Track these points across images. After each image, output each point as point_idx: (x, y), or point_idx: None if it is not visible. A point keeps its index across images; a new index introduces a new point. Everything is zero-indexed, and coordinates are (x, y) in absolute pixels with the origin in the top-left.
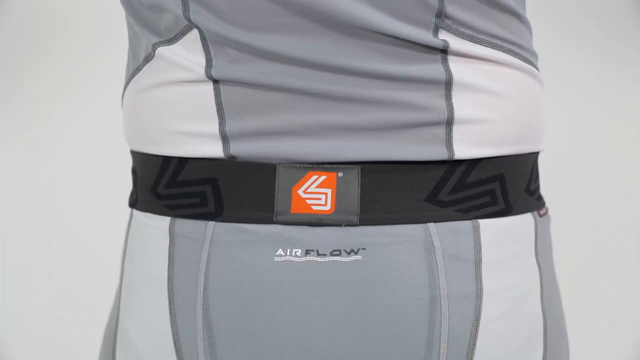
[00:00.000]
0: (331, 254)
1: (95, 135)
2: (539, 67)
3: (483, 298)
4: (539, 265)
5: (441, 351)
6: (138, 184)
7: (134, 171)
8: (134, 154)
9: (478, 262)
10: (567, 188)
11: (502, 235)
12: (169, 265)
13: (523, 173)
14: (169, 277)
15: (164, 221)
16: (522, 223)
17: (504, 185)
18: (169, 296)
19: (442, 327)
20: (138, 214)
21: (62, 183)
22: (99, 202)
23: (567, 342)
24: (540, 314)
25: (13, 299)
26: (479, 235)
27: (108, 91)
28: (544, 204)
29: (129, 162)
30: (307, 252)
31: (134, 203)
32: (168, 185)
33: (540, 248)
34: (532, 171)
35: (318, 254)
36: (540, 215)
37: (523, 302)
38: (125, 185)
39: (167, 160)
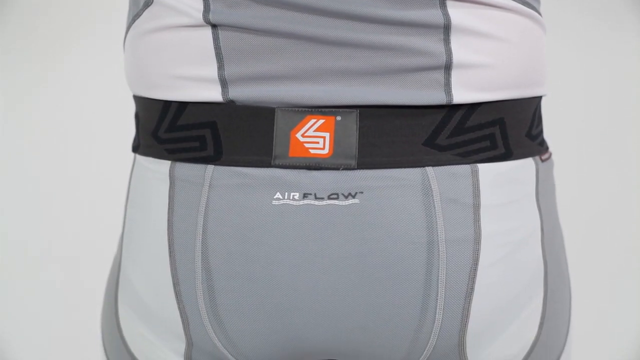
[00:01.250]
0: (329, 198)
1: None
2: (541, 13)
3: (481, 242)
4: (539, 209)
5: (439, 295)
6: (140, 128)
7: (136, 116)
8: (136, 98)
9: (476, 206)
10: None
11: (501, 180)
12: (168, 209)
13: (524, 117)
14: (168, 220)
15: (165, 165)
16: (522, 167)
17: (504, 130)
18: (168, 240)
19: (440, 271)
20: (140, 159)
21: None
22: (100, 198)
23: (569, 286)
24: (541, 258)
25: (13, 298)
26: (477, 180)
27: (108, 43)
28: (546, 148)
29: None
30: (305, 196)
31: (136, 147)
32: (168, 130)
33: (541, 192)
34: (534, 116)
35: (316, 198)
36: (543, 160)
37: (523, 246)
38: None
39: (167, 104)
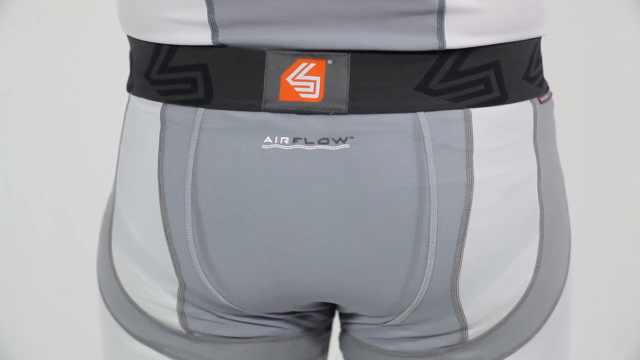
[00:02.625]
0: (319, 143)
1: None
2: None
3: (474, 188)
4: (537, 153)
5: (430, 240)
6: (134, 68)
7: (130, 55)
8: (129, 38)
9: (469, 152)
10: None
11: (496, 124)
12: (159, 150)
13: (521, 59)
14: (159, 162)
15: (156, 107)
16: (519, 111)
17: (499, 73)
18: (158, 181)
19: (431, 216)
20: (134, 99)
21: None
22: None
23: (568, 230)
24: (537, 203)
25: (13, 298)
26: (470, 125)
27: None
28: (546, 89)
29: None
30: (295, 140)
31: (130, 87)
32: (160, 71)
33: (539, 135)
34: (532, 57)
35: (306, 142)
36: (541, 102)
37: (518, 191)
38: None
39: (158, 47)
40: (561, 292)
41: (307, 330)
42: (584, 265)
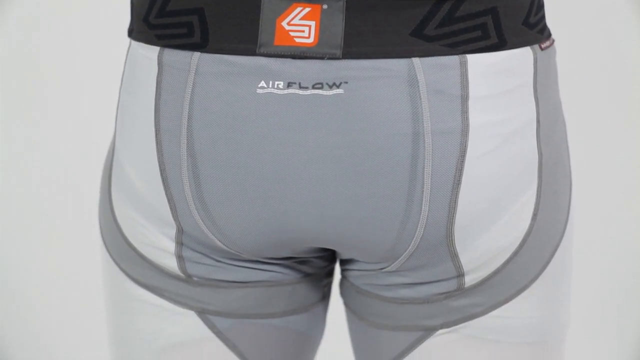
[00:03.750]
0: (313, 87)
1: None
2: None
3: (469, 134)
4: (537, 100)
5: (425, 186)
6: (134, 12)
7: (131, 0)
8: None
9: (464, 98)
10: None
11: (493, 70)
12: (156, 94)
13: (521, 5)
14: (155, 106)
15: (154, 51)
16: (518, 57)
17: (497, 19)
18: (155, 125)
19: (426, 162)
20: (134, 44)
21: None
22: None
23: (569, 177)
24: (536, 150)
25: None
26: (466, 71)
27: None
28: (548, 36)
29: None
30: (289, 85)
31: (130, 32)
32: (158, 15)
33: (540, 82)
34: (532, 3)
35: (300, 87)
36: (542, 49)
37: (515, 138)
38: None
39: None
40: (561, 239)
41: (307, 275)
42: (584, 265)
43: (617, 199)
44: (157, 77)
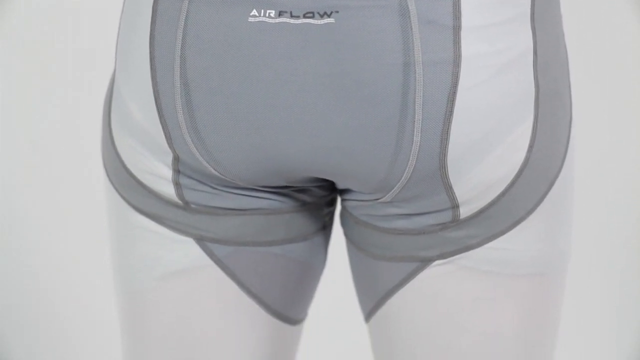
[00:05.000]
0: (304, 16)
1: None
2: None
3: (461, 64)
4: (534, 31)
5: (416, 117)
6: None
7: None
8: None
9: (457, 28)
10: None
11: (487, 0)
12: (151, 22)
13: None
14: (150, 33)
15: None
16: None
17: None
18: (150, 53)
19: (417, 93)
20: None
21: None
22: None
23: (569, 112)
24: (532, 82)
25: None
26: (458, 0)
27: None
28: None
29: None
30: (281, 14)
31: None
32: None
33: (538, 13)
34: None
35: (291, 16)
36: None
37: (509, 69)
38: None
39: None
40: (559, 172)
41: (306, 204)
42: (583, 265)
43: (617, 199)
44: (153, 5)
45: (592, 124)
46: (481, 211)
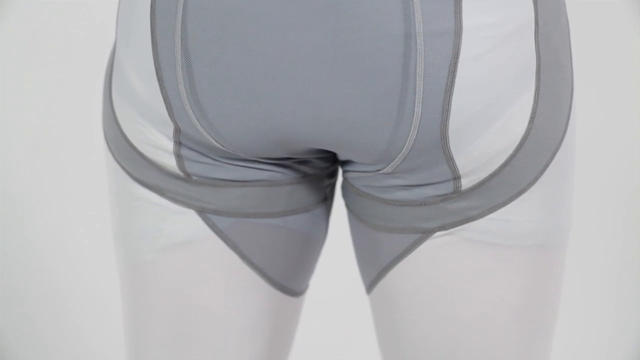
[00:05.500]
0: None
1: None
2: None
3: (462, 35)
4: (535, 1)
5: (417, 88)
6: None
7: None
8: None
9: None
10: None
11: None
12: None
13: None
14: (151, 4)
15: None
16: None
17: None
18: (151, 24)
19: (418, 64)
20: None
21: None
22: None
23: (570, 81)
24: (533, 53)
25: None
26: None
27: None
28: None
29: None
30: None
31: None
32: None
33: None
34: None
35: None
36: None
37: (511, 40)
38: None
39: None
40: (560, 143)
41: (307, 176)
42: (584, 264)
43: (616, 199)
44: None
45: (591, 124)
46: (482, 182)
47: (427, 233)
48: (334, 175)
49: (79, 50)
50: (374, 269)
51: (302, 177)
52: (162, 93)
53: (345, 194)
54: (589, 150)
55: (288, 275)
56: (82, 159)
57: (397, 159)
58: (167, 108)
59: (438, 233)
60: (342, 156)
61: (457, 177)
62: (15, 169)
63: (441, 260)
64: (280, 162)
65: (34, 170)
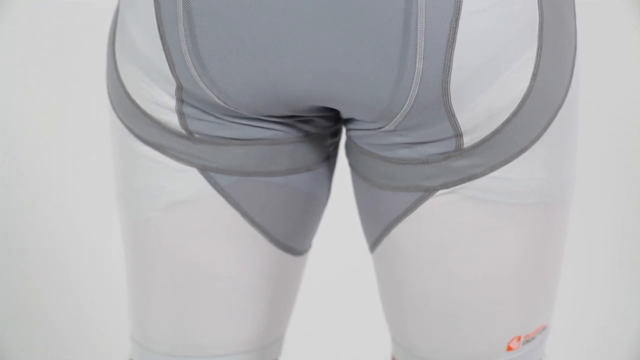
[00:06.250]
0: None
1: None
2: None
3: None
4: None
5: (418, 43)
6: None
7: None
8: None
9: None
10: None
11: None
12: None
13: None
14: None
15: None
16: None
17: None
18: None
19: (419, 19)
20: None
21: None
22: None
23: (574, 42)
24: (536, 10)
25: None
26: None
27: None
28: None
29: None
30: None
31: None
32: None
33: None
34: None
35: None
36: None
37: None
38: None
39: None
40: (563, 100)
41: (310, 135)
42: (583, 264)
43: (616, 199)
44: None
45: (591, 124)
46: (485, 140)
47: (429, 191)
48: (337, 134)
49: (79, 50)
50: (377, 228)
51: (304, 136)
52: (164, 50)
53: (348, 153)
54: (593, 110)
55: (290, 234)
56: (82, 159)
57: (398, 116)
58: (169, 65)
59: (440, 191)
60: (344, 114)
61: (459, 135)
62: (16, 168)
63: (443, 218)
64: (283, 121)
65: (40, 172)
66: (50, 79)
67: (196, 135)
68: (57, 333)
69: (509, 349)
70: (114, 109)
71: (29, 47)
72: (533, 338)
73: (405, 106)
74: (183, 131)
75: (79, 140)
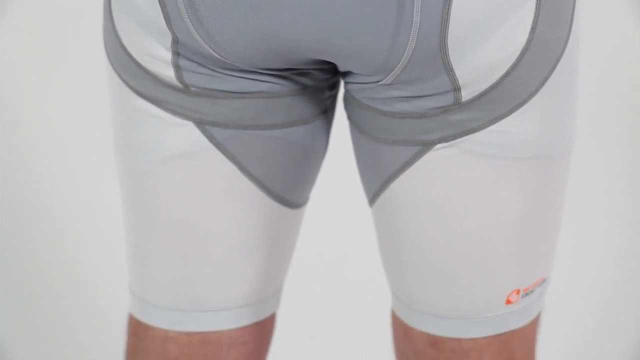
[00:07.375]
0: None
1: None
2: None
3: None
4: None
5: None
6: None
7: None
8: None
9: None
10: None
11: None
12: None
13: None
14: None
15: None
16: None
17: None
18: None
19: None
20: None
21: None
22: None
23: None
24: None
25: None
26: None
27: None
28: None
29: None
30: None
31: None
32: None
33: None
34: None
35: None
36: None
37: None
38: None
39: None
40: (562, 54)
41: (307, 88)
42: (583, 264)
43: (616, 199)
44: None
45: (590, 124)
46: (483, 94)
47: (428, 145)
48: (334, 87)
49: (79, 50)
50: (376, 181)
51: (301, 89)
52: (159, 2)
53: (347, 106)
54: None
55: (287, 188)
56: (83, 159)
57: (396, 69)
58: (164, 18)
59: (439, 145)
60: (341, 67)
61: (457, 89)
62: (15, 169)
63: (442, 172)
64: (280, 74)
65: (35, 172)
66: (50, 79)
67: (192, 89)
68: (57, 293)
69: (508, 302)
70: (111, 63)
71: (29, 47)
72: (532, 291)
73: (403, 59)
74: (179, 84)
75: (80, 110)
